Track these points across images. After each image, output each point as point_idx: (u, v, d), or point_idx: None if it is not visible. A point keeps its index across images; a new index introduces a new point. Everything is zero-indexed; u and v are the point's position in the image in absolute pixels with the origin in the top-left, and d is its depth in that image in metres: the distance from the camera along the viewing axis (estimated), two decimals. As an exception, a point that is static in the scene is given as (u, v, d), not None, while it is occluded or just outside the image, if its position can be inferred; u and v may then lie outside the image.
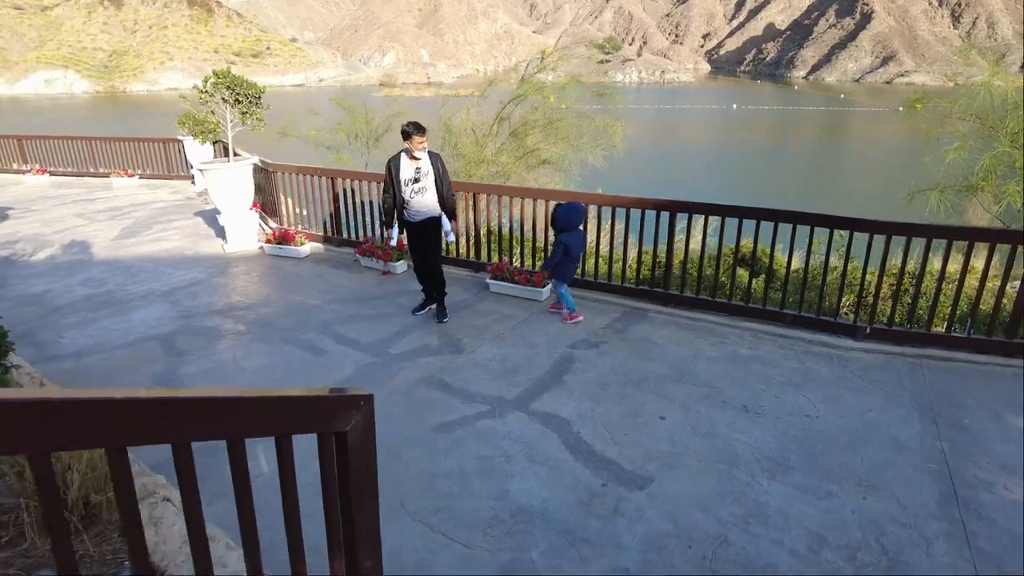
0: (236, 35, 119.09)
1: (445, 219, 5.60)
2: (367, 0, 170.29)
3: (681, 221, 5.83)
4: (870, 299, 5.18)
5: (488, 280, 6.38)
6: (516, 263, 6.73)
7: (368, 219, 7.77)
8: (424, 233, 5.51)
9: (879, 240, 4.95)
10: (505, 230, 6.91)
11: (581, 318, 5.55)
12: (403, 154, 5.38)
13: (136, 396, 1.16)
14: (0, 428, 0.98)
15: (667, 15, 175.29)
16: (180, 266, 7.41)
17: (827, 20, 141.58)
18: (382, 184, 5.74)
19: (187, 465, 1.29)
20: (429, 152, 5.41)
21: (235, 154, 8.21)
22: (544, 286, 6.04)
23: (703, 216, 5.61)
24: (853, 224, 5.03)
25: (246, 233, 8.14)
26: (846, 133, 61.80)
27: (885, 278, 5.45)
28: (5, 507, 2.21)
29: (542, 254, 6.65)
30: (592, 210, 6.25)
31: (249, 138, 8.69)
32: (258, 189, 8.73)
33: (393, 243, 6.06)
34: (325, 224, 8.23)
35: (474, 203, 6.86)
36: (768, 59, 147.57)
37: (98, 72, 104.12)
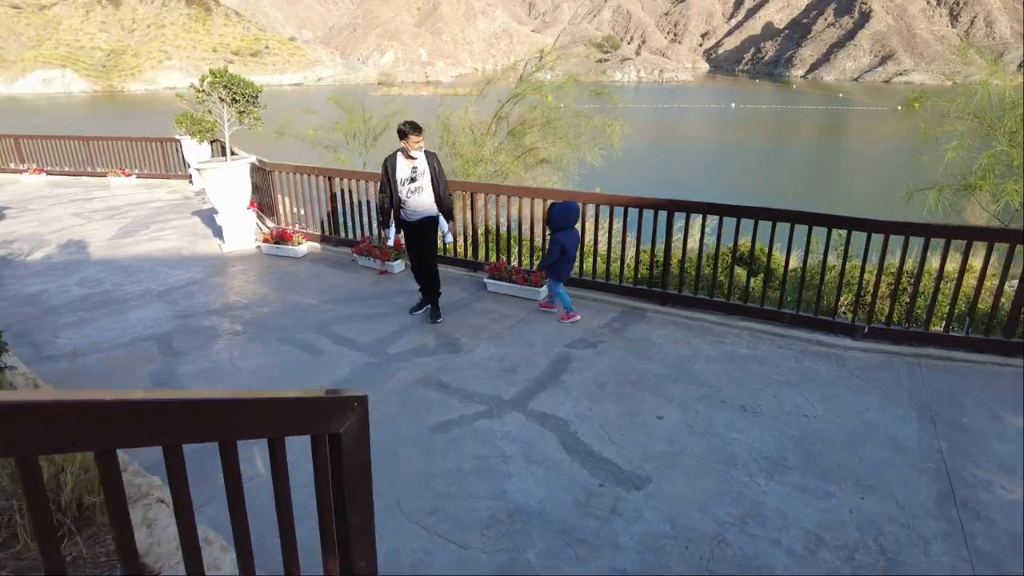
0: (234, 34, 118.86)
1: (443, 220, 5.58)
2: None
3: (679, 220, 5.83)
4: (868, 298, 5.17)
5: (486, 279, 6.36)
6: (514, 262, 6.72)
7: (365, 219, 7.76)
8: (421, 233, 5.50)
9: (877, 239, 4.94)
10: (503, 229, 6.90)
11: (578, 317, 5.54)
12: (399, 153, 5.36)
13: (125, 398, 1.15)
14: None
15: (665, 14, 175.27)
16: (177, 266, 7.39)
17: (826, 19, 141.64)
18: (378, 184, 5.72)
19: (178, 467, 1.27)
20: (425, 151, 5.40)
21: (232, 153, 8.19)
22: (542, 286, 6.03)
23: (701, 215, 5.60)
24: (851, 223, 5.02)
25: (243, 232, 8.12)
26: (844, 132, 61.82)
27: (883, 277, 5.45)
28: (-2, 509, 2.20)
29: (540, 253, 6.64)
30: (590, 209, 6.23)
31: (247, 137, 8.67)
32: (255, 188, 8.71)
33: (390, 243, 6.04)
34: (322, 223, 8.22)
35: (472, 202, 6.84)
36: (767, 58, 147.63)
37: (96, 71, 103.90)
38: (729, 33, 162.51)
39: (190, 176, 12.85)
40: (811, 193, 31.95)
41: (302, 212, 8.50)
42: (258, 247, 7.99)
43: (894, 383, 4.40)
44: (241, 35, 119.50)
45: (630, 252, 6.52)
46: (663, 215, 5.83)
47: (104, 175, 13.31)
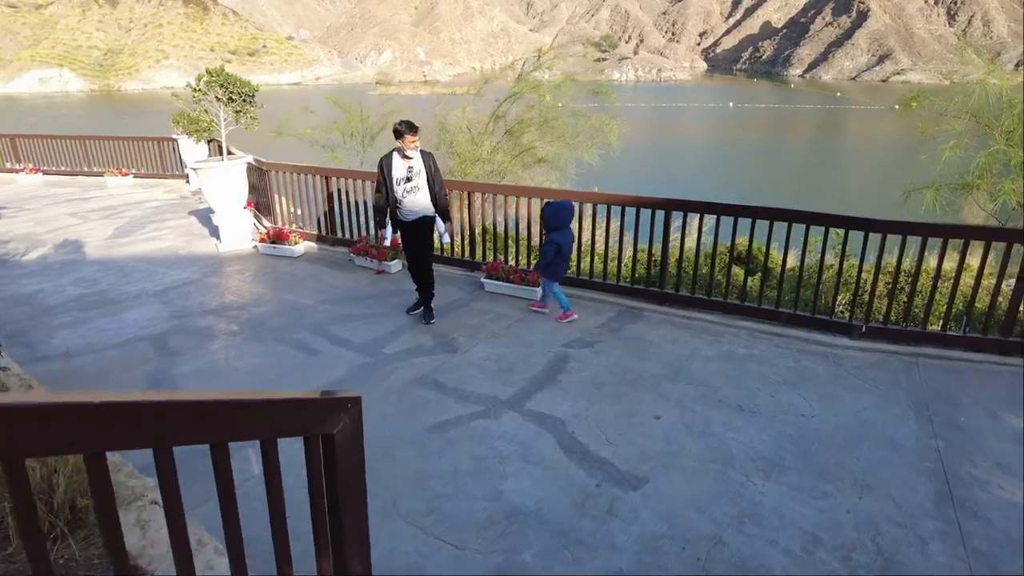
0: (232, 33, 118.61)
1: (439, 220, 5.56)
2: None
3: (677, 220, 5.82)
4: (866, 297, 5.17)
5: (483, 279, 6.35)
6: (511, 262, 6.71)
7: (363, 218, 7.74)
8: (418, 233, 5.48)
9: (874, 238, 4.94)
10: (500, 229, 6.88)
11: (576, 316, 5.53)
12: (395, 153, 5.34)
13: (113, 400, 1.13)
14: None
15: (664, 13, 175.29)
16: (174, 265, 7.37)
17: (823, 18, 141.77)
18: (374, 183, 5.70)
19: (168, 470, 1.26)
20: (421, 151, 5.38)
21: (229, 153, 8.16)
22: (539, 286, 6.01)
23: (699, 214, 5.60)
24: (849, 222, 5.02)
25: (240, 232, 8.09)
26: (842, 131, 61.87)
27: (881, 276, 5.44)
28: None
29: (537, 253, 6.62)
30: (588, 209, 6.23)
31: (244, 137, 8.65)
32: (252, 188, 8.68)
33: (387, 243, 6.03)
34: (319, 223, 8.20)
35: (469, 202, 6.83)
36: (764, 57, 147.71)
37: (93, 70, 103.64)
38: (727, 32, 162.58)
39: (187, 176, 12.81)
40: (808, 192, 31.99)
41: (299, 212, 8.48)
42: (255, 247, 7.97)
43: (891, 382, 4.39)
44: (239, 34, 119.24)
45: (628, 251, 6.51)
46: (661, 214, 5.82)
47: (101, 175, 13.26)
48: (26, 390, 3.31)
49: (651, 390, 4.29)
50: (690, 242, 6.06)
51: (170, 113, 10.48)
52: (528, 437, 3.73)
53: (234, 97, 7.60)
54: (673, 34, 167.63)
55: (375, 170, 5.56)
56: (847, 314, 5.53)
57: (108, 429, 1.13)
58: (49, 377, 4.45)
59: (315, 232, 8.23)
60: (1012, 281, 4.91)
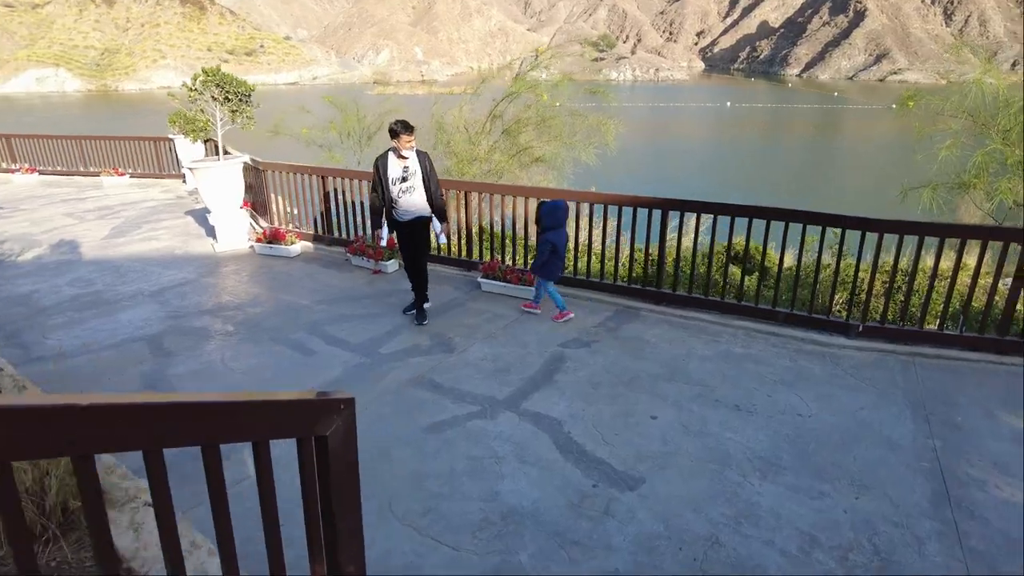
0: (229, 33, 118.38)
1: (435, 220, 5.54)
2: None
3: (674, 219, 5.81)
4: (863, 297, 5.17)
5: (480, 279, 6.34)
6: (508, 262, 6.70)
7: (359, 218, 7.72)
8: (414, 233, 5.46)
9: (871, 237, 4.94)
10: (497, 228, 6.87)
11: (572, 316, 5.53)
12: (391, 153, 5.32)
13: (103, 402, 1.12)
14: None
15: (661, 13, 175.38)
16: (170, 266, 7.35)
17: (821, 18, 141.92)
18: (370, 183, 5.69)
19: (159, 472, 1.25)
20: (417, 151, 5.36)
21: (226, 152, 8.14)
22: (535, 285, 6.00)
23: (696, 214, 5.59)
24: (846, 221, 5.02)
25: (236, 232, 8.07)
26: (839, 131, 61.97)
27: (878, 275, 5.44)
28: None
29: (534, 252, 6.61)
30: (584, 208, 6.22)
31: (241, 136, 8.63)
32: (249, 188, 8.66)
33: (384, 243, 6.01)
34: (316, 223, 8.18)
35: (466, 201, 6.82)
36: (762, 57, 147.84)
37: (90, 70, 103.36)
38: (724, 32, 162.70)
39: (183, 175, 12.78)
40: (806, 191, 32.03)
41: (296, 211, 8.46)
42: (251, 247, 7.95)
43: (888, 382, 4.39)
44: (236, 34, 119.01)
45: (625, 251, 6.51)
46: (658, 214, 5.81)
47: (97, 175, 13.23)
48: (19, 391, 3.29)
49: (648, 390, 4.28)
50: (687, 241, 6.06)
51: (167, 113, 10.45)
52: (524, 437, 3.72)
53: (230, 97, 7.57)
54: (671, 34, 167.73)
55: (372, 170, 5.55)
56: (844, 313, 5.52)
57: (97, 431, 1.12)
58: (43, 378, 4.43)
59: (311, 232, 8.21)
60: (1009, 280, 4.92)
